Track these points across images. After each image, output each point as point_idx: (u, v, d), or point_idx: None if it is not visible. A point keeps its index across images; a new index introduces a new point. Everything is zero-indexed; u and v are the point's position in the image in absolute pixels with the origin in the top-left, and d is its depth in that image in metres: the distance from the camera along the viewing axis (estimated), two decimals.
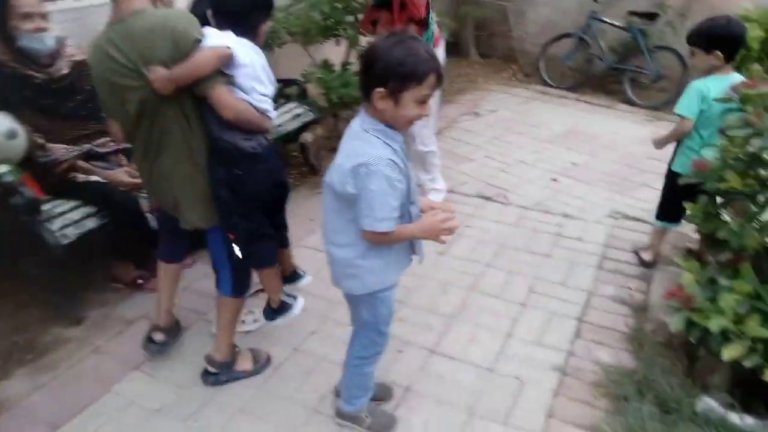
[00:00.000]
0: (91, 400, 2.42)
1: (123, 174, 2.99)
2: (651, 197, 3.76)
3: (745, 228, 2.10)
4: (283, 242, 2.71)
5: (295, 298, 2.62)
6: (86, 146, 2.97)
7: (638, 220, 3.75)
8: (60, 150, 2.86)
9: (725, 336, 2.06)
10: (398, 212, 1.76)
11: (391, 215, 1.73)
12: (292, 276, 2.83)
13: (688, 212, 2.55)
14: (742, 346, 2.00)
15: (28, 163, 2.70)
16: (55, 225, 2.70)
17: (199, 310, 2.95)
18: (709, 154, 2.38)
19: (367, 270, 1.89)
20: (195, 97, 2.07)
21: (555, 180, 4.36)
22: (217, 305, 2.49)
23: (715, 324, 2.02)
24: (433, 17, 3.59)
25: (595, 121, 5.54)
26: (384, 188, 1.69)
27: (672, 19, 5.92)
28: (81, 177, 2.92)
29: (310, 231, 3.63)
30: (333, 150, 4.46)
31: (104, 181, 2.94)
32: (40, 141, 2.78)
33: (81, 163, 2.94)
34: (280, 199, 2.50)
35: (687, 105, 2.82)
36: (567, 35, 6.43)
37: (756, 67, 2.38)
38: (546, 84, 6.57)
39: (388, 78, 1.63)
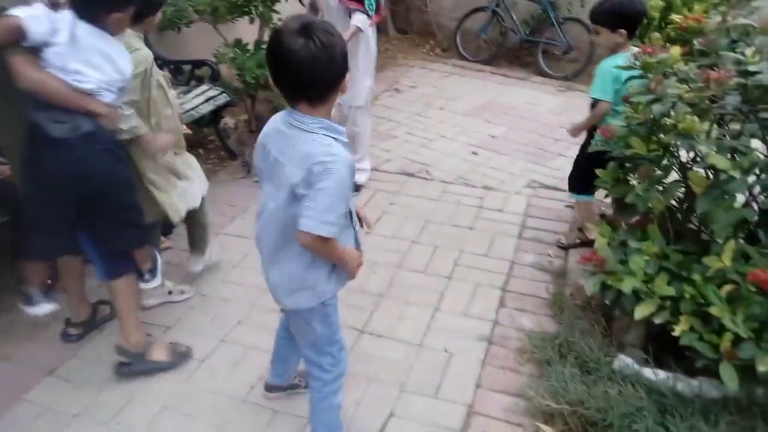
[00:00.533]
0: (1, 412, 2.27)
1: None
2: (566, 165, 3.88)
3: (650, 192, 2.20)
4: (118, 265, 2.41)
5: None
6: None
7: (555, 189, 3.87)
8: None
9: (637, 296, 2.16)
10: (342, 220, 1.64)
11: (337, 221, 1.59)
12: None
13: (598, 178, 2.64)
14: (652, 304, 2.11)
15: None
16: None
17: None
18: (616, 122, 2.47)
19: (316, 279, 1.76)
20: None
21: (475, 153, 4.43)
22: (107, 293, 2.45)
23: (627, 285, 2.12)
24: None
25: (511, 93, 5.66)
26: (338, 191, 1.56)
27: None
28: None
29: (231, 217, 3.54)
30: (254, 133, 4.39)
31: None
32: None
33: None
34: (98, 198, 2.19)
35: (601, 87, 2.77)
36: (481, 9, 6.51)
37: (656, 35, 2.47)
38: (463, 58, 6.64)
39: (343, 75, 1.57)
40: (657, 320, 2.10)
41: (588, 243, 3.09)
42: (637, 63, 2.30)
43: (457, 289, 2.94)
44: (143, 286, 2.56)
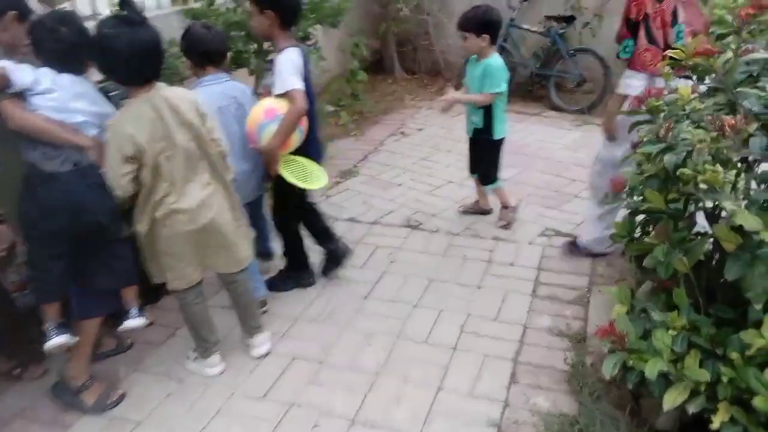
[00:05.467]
0: None
1: None
2: (582, 209, 3.57)
3: (671, 254, 1.88)
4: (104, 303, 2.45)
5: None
6: None
7: (571, 236, 3.55)
8: None
9: (666, 378, 1.83)
10: None
11: None
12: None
13: (614, 231, 2.35)
14: (684, 389, 1.78)
15: None
16: None
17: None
18: (627, 171, 2.17)
19: None
20: None
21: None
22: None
23: (651, 369, 1.79)
24: None
25: (523, 131, 5.37)
26: None
27: (589, 20, 5.85)
28: None
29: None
30: None
31: None
32: None
33: None
34: (90, 231, 2.25)
35: (498, 83, 3.35)
36: None
37: (666, 70, 2.18)
38: None
39: None
40: (691, 409, 1.77)
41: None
42: (643, 107, 2.01)
43: (463, 363, 2.62)
44: (128, 323, 2.47)
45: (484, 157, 3.66)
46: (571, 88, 6.04)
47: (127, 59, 2.12)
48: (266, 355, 2.74)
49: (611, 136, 3.01)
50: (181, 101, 2.29)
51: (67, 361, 2.49)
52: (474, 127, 3.57)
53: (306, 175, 2.83)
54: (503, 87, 3.38)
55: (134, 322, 2.46)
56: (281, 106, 2.64)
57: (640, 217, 2.26)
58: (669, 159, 1.80)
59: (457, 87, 6.79)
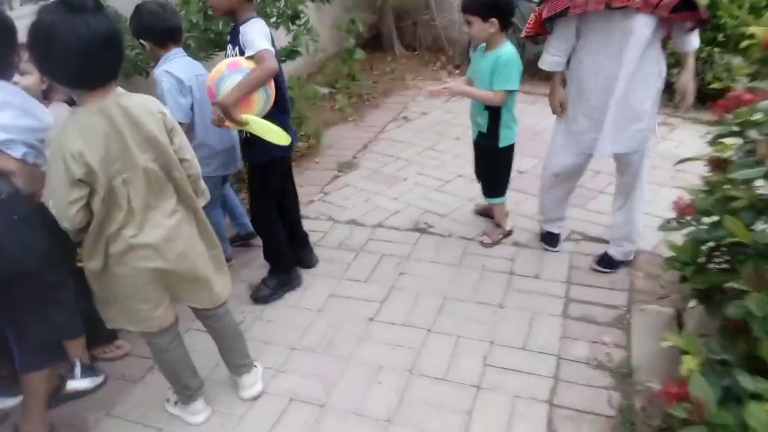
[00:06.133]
0: None
1: None
2: (608, 206, 3.17)
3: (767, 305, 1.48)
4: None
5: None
6: None
7: (600, 241, 3.15)
8: None
9: None
10: None
11: None
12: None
13: (670, 255, 1.96)
14: None
15: None
16: None
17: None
18: (695, 194, 1.76)
19: None
20: None
21: None
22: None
23: None
24: None
25: (537, 113, 4.89)
26: None
27: None
28: None
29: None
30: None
31: None
32: None
33: None
34: (24, 282, 1.86)
35: (515, 78, 2.80)
36: None
37: (738, 62, 1.76)
38: None
39: None
40: None
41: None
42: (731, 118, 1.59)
43: (490, 407, 2.24)
44: (72, 385, 2.08)
45: (488, 166, 3.15)
46: None
47: (73, 56, 1.67)
48: (258, 396, 2.36)
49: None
50: (143, 111, 1.84)
51: (22, 419, 2.11)
52: (478, 130, 3.04)
53: (269, 130, 2.43)
54: (517, 84, 2.82)
55: (79, 384, 2.06)
56: (248, 63, 2.34)
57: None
58: None
59: (459, 67, 6.36)
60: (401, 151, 4.45)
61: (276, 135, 2.41)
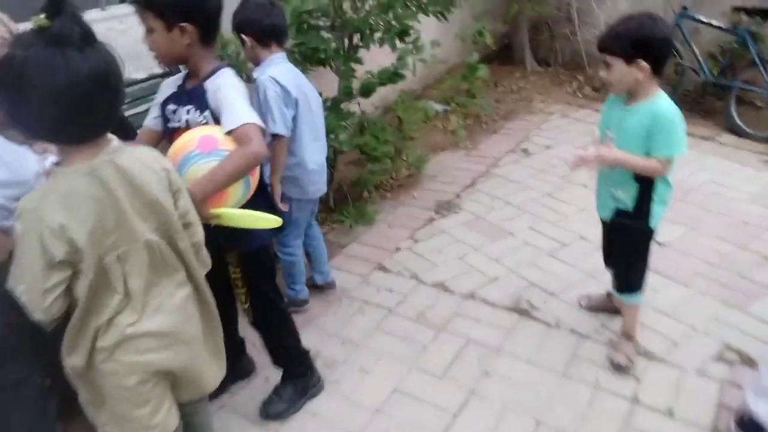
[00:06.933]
0: None
1: None
2: None
3: None
4: None
5: None
6: None
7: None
8: None
9: None
10: None
11: None
12: None
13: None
14: None
15: None
16: None
17: None
18: None
19: None
20: None
21: None
22: None
23: None
24: None
25: (691, 164, 3.99)
26: None
27: None
28: None
29: None
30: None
31: None
32: None
33: None
34: None
35: (677, 142, 2.08)
36: None
37: None
38: None
39: None
40: None
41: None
42: None
43: None
44: None
45: (625, 251, 2.36)
46: (759, 107, 4.56)
47: (50, 104, 1.24)
48: None
49: None
50: (144, 170, 1.41)
51: None
52: (616, 206, 2.27)
53: (252, 221, 1.82)
54: (685, 147, 2.09)
55: None
56: (225, 142, 1.71)
57: None
58: None
59: (598, 90, 5.48)
60: (513, 194, 3.78)
61: (263, 221, 1.83)
